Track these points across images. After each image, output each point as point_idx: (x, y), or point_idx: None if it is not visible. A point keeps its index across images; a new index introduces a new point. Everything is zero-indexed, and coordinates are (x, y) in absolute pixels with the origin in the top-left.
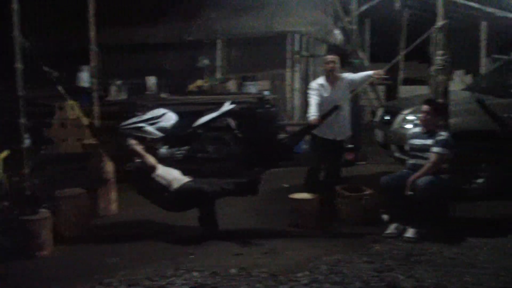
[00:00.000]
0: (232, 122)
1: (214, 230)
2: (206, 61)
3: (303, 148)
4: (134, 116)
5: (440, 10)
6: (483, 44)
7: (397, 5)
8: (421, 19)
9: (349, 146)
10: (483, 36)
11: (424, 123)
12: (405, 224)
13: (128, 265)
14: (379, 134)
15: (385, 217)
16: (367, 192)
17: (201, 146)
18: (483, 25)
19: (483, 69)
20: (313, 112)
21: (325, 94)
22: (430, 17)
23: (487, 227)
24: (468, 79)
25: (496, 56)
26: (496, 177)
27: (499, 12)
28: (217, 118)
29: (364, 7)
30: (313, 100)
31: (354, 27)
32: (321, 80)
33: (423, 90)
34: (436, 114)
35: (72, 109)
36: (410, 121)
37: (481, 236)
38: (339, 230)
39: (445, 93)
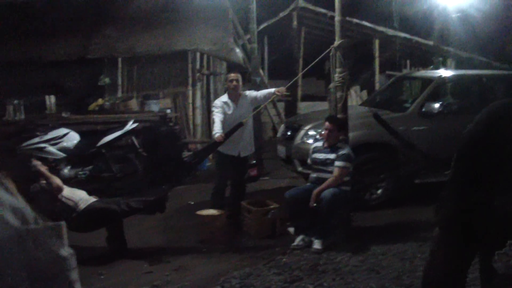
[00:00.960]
0: (136, 141)
1: (123, 249)
2: (107, 80)
3: (207, 165)
4: (35, 136)
5: (337, 29)
6: (376, 60)
7: (294, 23)
8: (317, 37)
9: (253, 162)
10: (376, 53)
11: (326, 138)
12: (311, 235)
13: None
14: (281, 150)
15: (291, 229)
16: (272, 206)
17: (106, 165)
18: (376, 42)
19: (377, 85)
20: (217, 130)
21: (229, 112)
22: (325, 35)
23: (388, 235)
24: (364, 94)
25: (390, 72)
26: (394, 186)
27: (390, 31)
28: (121, 137)
29: (262, 26)
30: (217, 118)
31: (254, 45)
32: (224, 98)
33: (321, 106)
34: (337, 129)
35: None
36: (312, 136)
37: (383, 244)
38: (247, 244)
39: (344, 108)
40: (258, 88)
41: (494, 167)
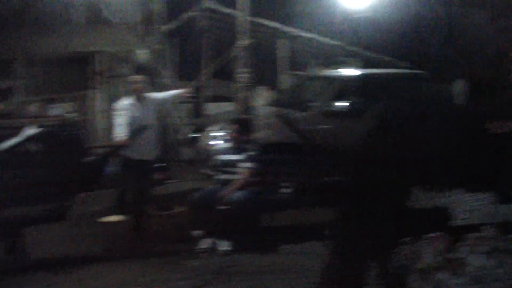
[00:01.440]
0: (36, 147)
1: (24, 261)
2: (4, 83)
3: (111, 169)
4: None
5: (243, 29)
6: (283, 61)
7: (201, 23)
8: (225, 37)
9: (159, 165)
10: (282, 53)
11: (233, 139)
12: (218, 237)
13: None
14: (187, 152)
15: (198, 232)
16: (179, 210)
17: (4, 173)
18: (283, 43)
19: (283, 85)
20: (120, 133)
21: (133, 114)
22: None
23: (297, 234)
24: (270, 94)
25: (296, 72)
26: (303, 186)
27: (297, 31)
28: (20, 143)
29: (168, 26)
30: (120, 121)
31: (160, 46)
32: (128, 100)
33: (229, 107)
34: (244, 130)
35: None
36: (218, 137)
37: (293, 243)
38: (153, 250)
39: (251, 109)
40: (165, 89)
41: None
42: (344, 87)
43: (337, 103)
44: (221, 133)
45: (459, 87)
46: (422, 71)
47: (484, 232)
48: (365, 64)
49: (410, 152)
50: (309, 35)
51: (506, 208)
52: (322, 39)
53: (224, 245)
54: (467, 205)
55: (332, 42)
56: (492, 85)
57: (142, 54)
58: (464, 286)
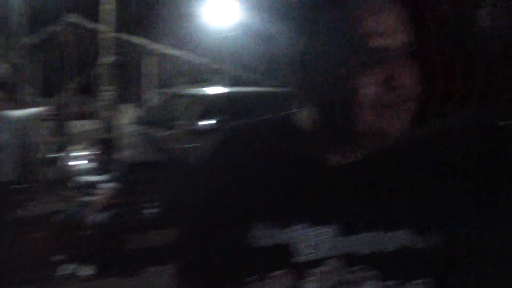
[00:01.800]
0: None
1: None
2: None
3: None
4: None
5: (107, 46)
6: (149, 78)
7: (65, 39)
8: (89, 54)
9: (18, 186)
10: (148, 70)
11: (96, 158)
12: (81, 261)
13: None
14: (48, 172)
15: (60, 257)
16: (38, 234)
17: None
18: (148, 60)
19: (150, 103)
20: None
21: None
22: (97, 52)
23: (162, 255)
24: (136, 112)
25: (163, 89)
26: (167, 205)
27: (164, 48)
28: None
29: (30, 40)
30: None
31: (21, 60)
32: None
33: (92, 125)
34: (107, 149)
35: None
36: (80, 157)
37: (159, 264)
38: (9, 280)
39: (115, 127)
40: (25, 106)
41: None
42: (209, 105)
43: (202, 121)
44: (84, 153)
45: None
46: (288, 90)
47: (329, 266)
48: (231, 82)
49: (252, 181)
50: (175, 52)
51: (348, 240)
52: (188, 56)
53: (87, 269)
54: (310, 240)
55: (198, 59)
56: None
57: (1, 69)
58: None
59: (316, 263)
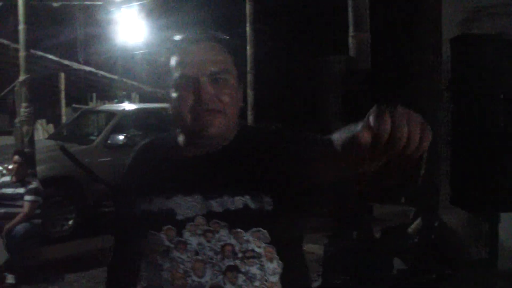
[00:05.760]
0: None
1: None
2: None
3: None
4: None
5: (22, 64)
6: (62, 94)
7: None
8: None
9: None
10: (62, 86)
11: (14, 172)
12: (3, 271)
13: None
14: None
15: None
16: None
17: None
18: (62, 76)
19: (63, 118)
20: None
21: None
22: (8, 68)
23: (81, 263)
24: (50, 128)
25: (76, 105)
26: (83, 217)
27: (75, 65)
28: None
29: None
30: None
31: None
32: None
33: (5, 141)
34: (25, 164)
35: None
36: None
37: (77, 271)
38: None
39: (31, 142)
40: None
41: None
42: (124, 120)
43: (115, 136)
44: (1, 167)
45: None
46: None
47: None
48: (144, 98)
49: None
50: (88, 68)
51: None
52: (103, 73)
53: (10, 278)
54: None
55: (112, 76)
56: None
57: None
58: None
59: (190, 219)
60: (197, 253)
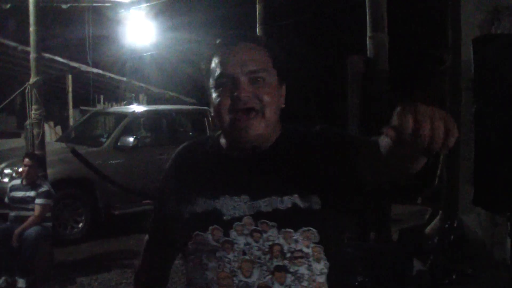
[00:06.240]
0: None
1: None
2: None
3: None
4: None
5: (32, 66)
6: (70, 96)
7: None
8: (8, 70)
9: None
10: (69, 88)
11: (25, 175)
12: (14, 275)
13: None
14: None
15: None
16: None
17: None
18: (69, 78)
19: (71, 120)
20: None
21: None
22: (15, 69)
23: (92, 266)
24: (58, 130)
25: (84, 107)
26: (93, 219)
27: (84, 67)
28: None
29: None
30: None
31: None
32: None
33: (14, 143)
34: (36, 166)
35: None
36: (7, 175)
37: (88, 275)
38: None
39: (42, 145)
40: None
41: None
42: (133, 122)
43: (125, 138)
44: (11, 170)
45: None
46: (206, 108)
47: (244, 220)
48: (152, 100)
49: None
50: (96, 70)
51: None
52: (111, 74)
53: (21, 282)
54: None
55: (121, 78)
56: None
57: None
58: None
59: (237, 219)
60: (244, 253)
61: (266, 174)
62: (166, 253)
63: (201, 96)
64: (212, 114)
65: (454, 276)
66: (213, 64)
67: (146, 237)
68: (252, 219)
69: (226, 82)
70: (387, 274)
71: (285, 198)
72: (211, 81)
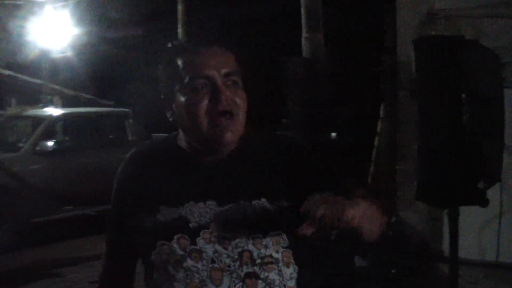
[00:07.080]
0: None
1: None
2: None
3: None
4: None
5: None
6: None
7: None
8: None
9: None
10: None
11: None
12: None
13: None
14: None
15: None
16: None
17: None
18: None
19: None
20: None
21: None
22: None
23: (15, 277)
24: None
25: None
26: (13, 229)
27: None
28: None
29: None
30: None
31: None
32: None
33: None
34: None
35: None
36: None
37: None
38: None
39: None
40: None
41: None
42: (52, 126)
43: (46, 142)
44: None
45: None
46: (126, 109)
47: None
48: (67, 102)
49: None
50: (8, 72)
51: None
52: (24, 77)
53: None
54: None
55: (35, 80)
56: None
57: None
58: None
59: (204, 226)
60: (213, 261)
61: (233, 178)
62: (128, 261)
63: (121, 97)
64: (172, 118)
65: (393, 270)
66: (181, 66)
67: (104, 246)
68: (220, 225)
69: (203, 85)
70: (330, 272)
71: (254, 202)
72: (179, 84)
